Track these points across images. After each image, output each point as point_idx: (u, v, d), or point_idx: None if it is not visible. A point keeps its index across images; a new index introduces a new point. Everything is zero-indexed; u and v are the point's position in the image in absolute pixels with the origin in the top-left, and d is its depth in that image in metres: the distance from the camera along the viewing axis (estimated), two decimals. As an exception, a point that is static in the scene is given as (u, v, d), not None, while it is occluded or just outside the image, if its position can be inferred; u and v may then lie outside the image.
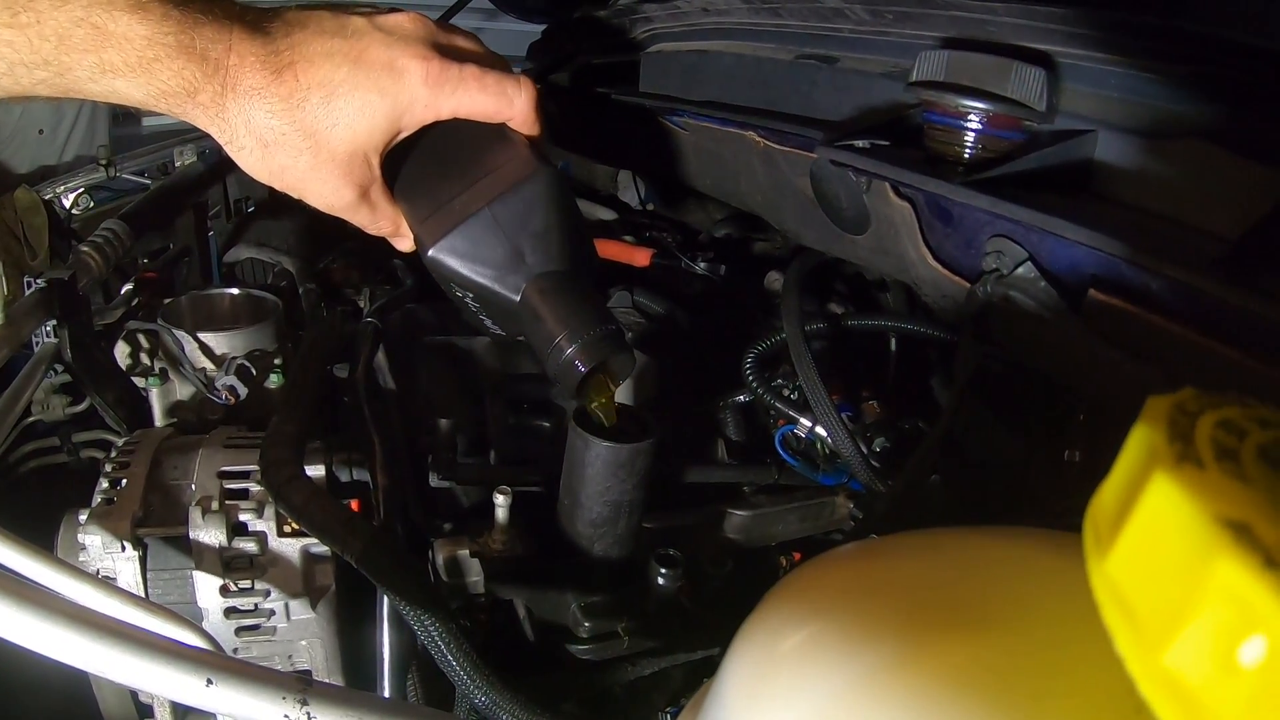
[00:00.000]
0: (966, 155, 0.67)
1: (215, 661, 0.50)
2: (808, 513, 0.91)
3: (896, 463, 0.85)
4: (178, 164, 1.63)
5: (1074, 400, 0.77)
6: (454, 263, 0.62)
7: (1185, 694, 0.19)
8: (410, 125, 0.61)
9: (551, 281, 0.63)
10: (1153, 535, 0.20)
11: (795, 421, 0.90)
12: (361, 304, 1.16)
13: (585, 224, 0.70)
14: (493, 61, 0.64)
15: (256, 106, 0.56)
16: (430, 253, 0.62)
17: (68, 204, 1.71)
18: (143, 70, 0.52)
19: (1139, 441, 0.23)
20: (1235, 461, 0.21)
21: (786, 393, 0.93)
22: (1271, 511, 0.19)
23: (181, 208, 1.40)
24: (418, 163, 0.65)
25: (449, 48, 0.61)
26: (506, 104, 0.62)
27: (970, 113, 0.66)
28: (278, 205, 1.58)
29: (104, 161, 1.68)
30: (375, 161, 0.61)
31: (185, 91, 0.54)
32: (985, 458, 0.90)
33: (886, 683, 0.25)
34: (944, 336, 0.84)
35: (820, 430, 0.87)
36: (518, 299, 0.63)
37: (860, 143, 0.73)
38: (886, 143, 0.74)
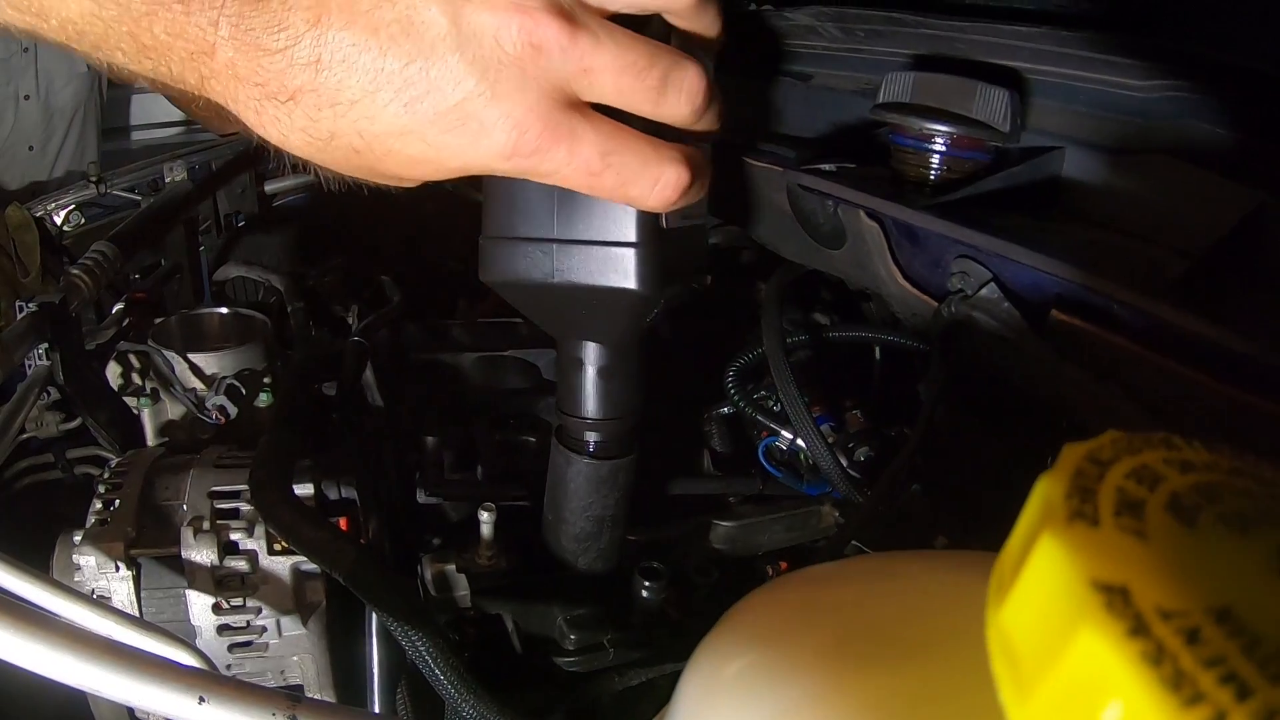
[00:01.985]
0: (932, 177, 0.69)
1: (207, 679, 0.52)
2: (793, 522, 0.92)
3: (879, 473, 0.86)
4: (168, 180, 1.64)
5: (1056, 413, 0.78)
6: (508, 294, 0.60)
7: None
8: None
9: (603, 359, 0.64)
10: (1037, 591, 0.21)
11: (777, 433, 0.92)
12: (350, 321, 1.17)
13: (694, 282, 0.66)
14: (656, 101, 0.44)
15: (260, 122, 0.43)
16: (487, 278, 0.59)
17: (59, 221, 1.72)
18: (91, 49, 0.42)
19: (1040, 495, 0.23)
20: (1137, 516, 0.21)
21: (769, 404, 0.94)
22: (1157, 572, 0.19)
23: (170, 225, 1.41)
24: None
25: (573, 89, 0.42)
26: (634, 197, 0.46)
27: (935, 135, 0.68)
28: (268, 220, 1.60)
29: (94, 178, 1.68)
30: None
31: (155, 83, 0.43)
32: (967, 467, 0.92)
33: (812, 714, 0.26)
34: (924, 349, 0.86)
35: (801, 442, 0.88)
36: (563, 344, 0.65)
37: (828, 166, 0.75)
38: (853, 165, 0.75)
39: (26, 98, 2.23)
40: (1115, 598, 0.19)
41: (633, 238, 0.53)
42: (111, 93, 2.48)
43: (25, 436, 1.09)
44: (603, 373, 0.64)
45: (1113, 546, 0.20)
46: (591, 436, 0.66)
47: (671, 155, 0.45)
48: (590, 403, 0.65)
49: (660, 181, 0.44)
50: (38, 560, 0.75)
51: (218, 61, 0.40)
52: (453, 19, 0.39)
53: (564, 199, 0.54)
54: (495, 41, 0.39)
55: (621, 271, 0.54)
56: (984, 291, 0.64)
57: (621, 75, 0.42)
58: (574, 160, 0.42)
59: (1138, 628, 0.18)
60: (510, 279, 0.58)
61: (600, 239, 0.54)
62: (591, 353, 0.64)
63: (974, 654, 0.24)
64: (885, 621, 0.29)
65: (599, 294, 0.56)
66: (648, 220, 0.53)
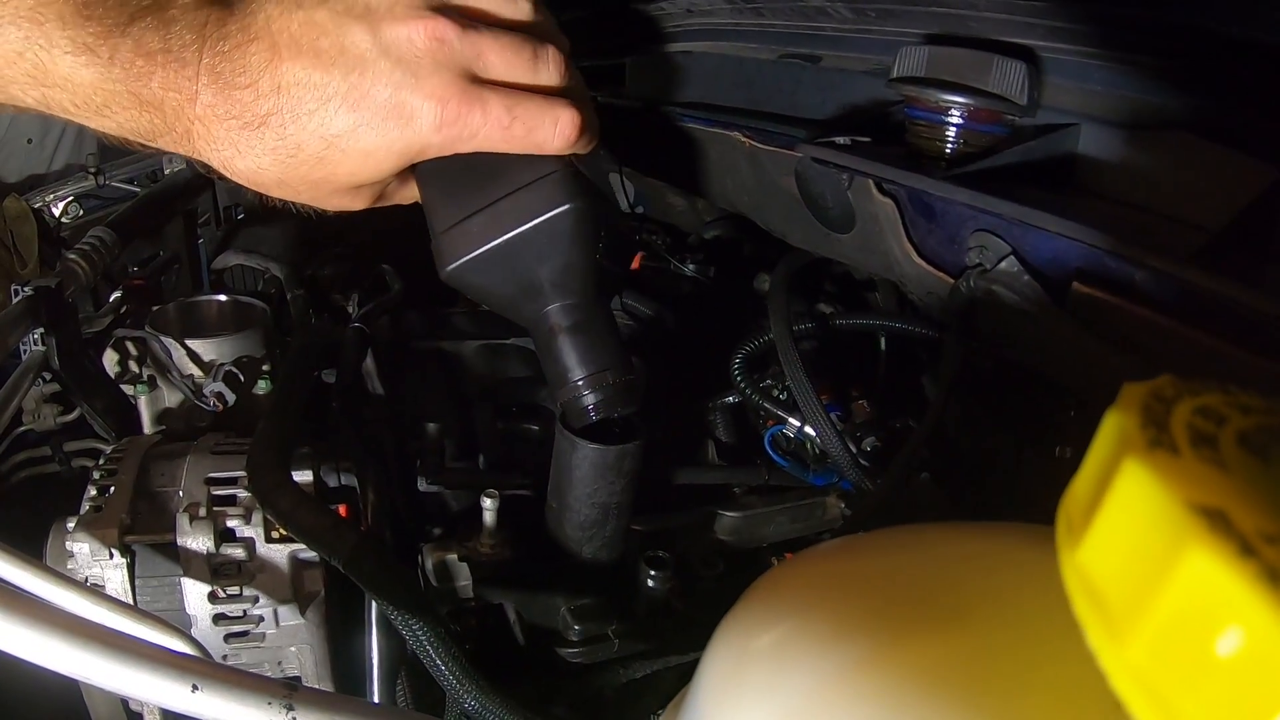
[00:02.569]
0: (948, 150, 0.67)
1: (201, 668, 0.50)
2: (799, 513, 0.91)
3: (887, 462, 0.85)
4: (167, 171, 1.63)
5: (1065, 396, 0.77)
6: (470, 281, 0.61)
7: (1159, 688, 0.18)
8: (423, 159, 0.55)
9: (571, 316, 0.63)
10: (1124, 524, 0.20)
11: (784, 422, 0.90)
12: (350, 309, 1.16)
13: (620, 238, 0.68)
14: (533, 70, 0.55)
15: (236, 156, 0.51)
16: (446, 271, 0.60)
17: (57, 212, 1.71)
18: (94, 113, 0.49)
19: (1112, 428, 0.22)
20: (1213, 448, 0.21)
21: (776, 393, 0.93)
22: (1248, 498, 0.19)
23: (169, 215, 1.40)
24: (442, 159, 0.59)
25: (473, 70, 0.52)
26: (541, 141, 0.55)
27: (951, 107, 0.66)
28: (267, 212, 1.58)
29: (93, 170, 1.68)
30: (386, 183, 0.57)
31: (147, 134, 0.50)
32: (977, 454, 0.91)
33: (858, 680, 0.25)
34: (932, 334, 0.84)
35: (809, 430, 0.87)
36: (535, 322, 0.64)
37: (841, 140, 0.73)
38: (868, 139, 0.74)
39: (25, 90, 2.23)
40: (1216, 520, 0.18)
41: (549, 168, 0.58)
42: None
43: (22, 429, 1.08)
44: (576, 328, 0.62)
45: (1199, 474, 0.19)
46: (589, 398, 0.63)
47: (563, 102, 0.55)
48: (574, 363, 0.63)
49: (560, 122, 0.54)
50: (33, 552, 0.74)
51: (199, 106, 0.49)
52: (374, 35, 0.50)
53: (478, 167, 0.58)
54: (409, 42, 0.50)
55: (549, 198, 0.58)
56: (1003, 265, 0.62)
57: (504, 54, 0.53)
58: (488, 120, 0.52)
59: (1246, 549, 0.17)
60: (461, 260, 0.59)
61: (521, 184, 0.58)
62: (558, 314, 0.62)
63: (1019, 617, 0.24)
64: (920, 588, 0.28)
65: (541, 231, 0.58)
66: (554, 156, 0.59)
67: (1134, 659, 0.19)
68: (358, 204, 0.58)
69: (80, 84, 0.47)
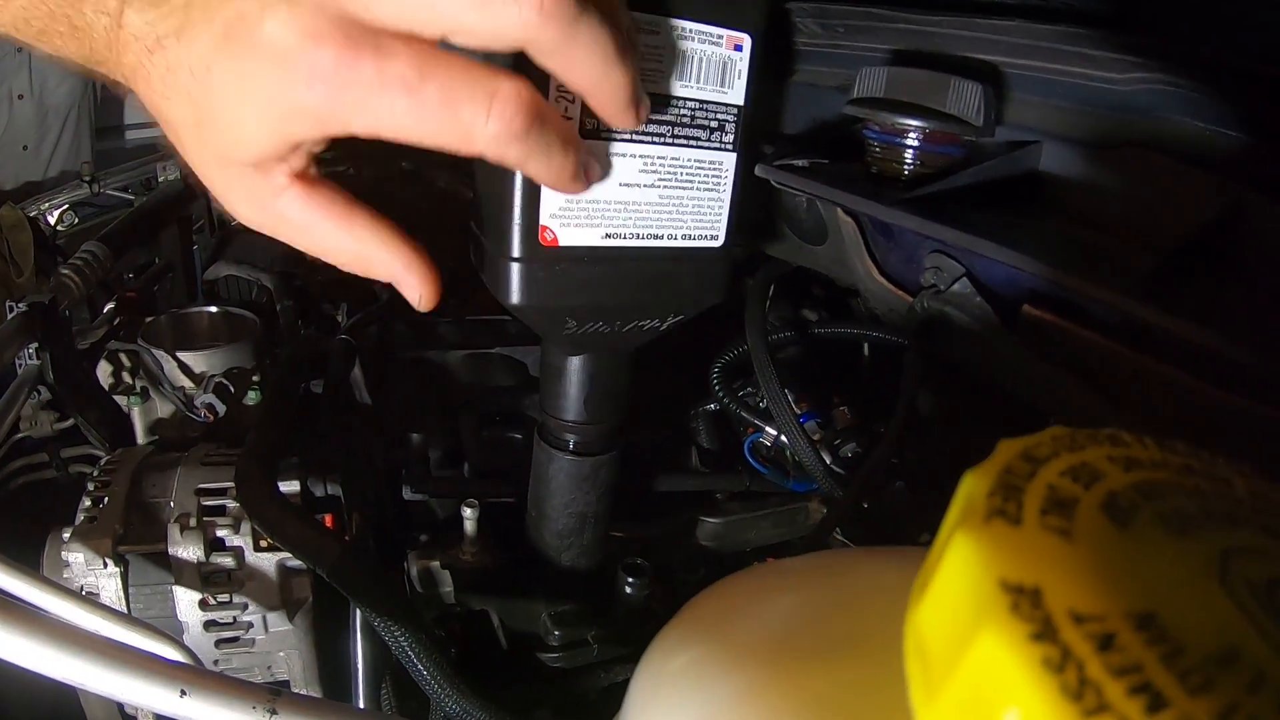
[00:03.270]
0: (906, 171, 0.69)
1: (189, 674, 0.52)
2: (780, 519, 0.93)
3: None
4: (161, 179, 1.65)
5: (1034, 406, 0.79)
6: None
7: None
8: (314, 139, 0.42)
9: (590, 368, 0.64)
10: (949, 591, 0.20)
11: (762, 429, 0.92)
12: (339, 319, 1.18)
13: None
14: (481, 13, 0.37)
15: (143, 91, 0.42)
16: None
17: (52, 220, 1.72)
18: (35, 38, 0.44)
19: (962, 493, 0.22)
20: (1065, 515, 0.20)
21: (755, 401, 0.95)
22: (1075, 574, 0.19)
23: (163, 224, 1.41)
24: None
25: (364, 20, 0.38)
26: (467, 125, 0.39)
27: (907, 130, 0.68)
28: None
29: (88, 178, 1.69)
30: (279, 180, 0.44)
31: (90, 63, 0.44)
32: (954, 462, 0.92)
33: (746, 707, 0.25)
34: (906, 344, 0.86)
35: (785, 438, 0.89)
36: (551, 348, 0.66)
37: (801, 161, 0.75)
38: (826, 161, 0.76)
39: (20, 97, 2.24)
40: (1024, 599, 0.18)
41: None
42: (105, 92, 2.48)
43: (20, 436, 1.10)
44: (593, 379, 0.65)
45: (1032, 546, 0.19)
46: (572, 438, 0.67)
47: (504, 72, 0.39)
48: (573, 403, 0.66)
49: (497, 97, 0.38)
50: (33, 558, 0.76)
51: (124, 29, 0.41)
52: None
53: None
54: None
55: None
56: (956, 286, 0.64)
57: None
58: (385, 75, 0.38)
59: (1044, 632, 0.17)
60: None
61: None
62: (570, 363, 0.64)
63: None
64: (826, 617, 0.28)
65: None
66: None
67: None
68: (253, 205, 0.46)
69: (17, 7, 0.43)
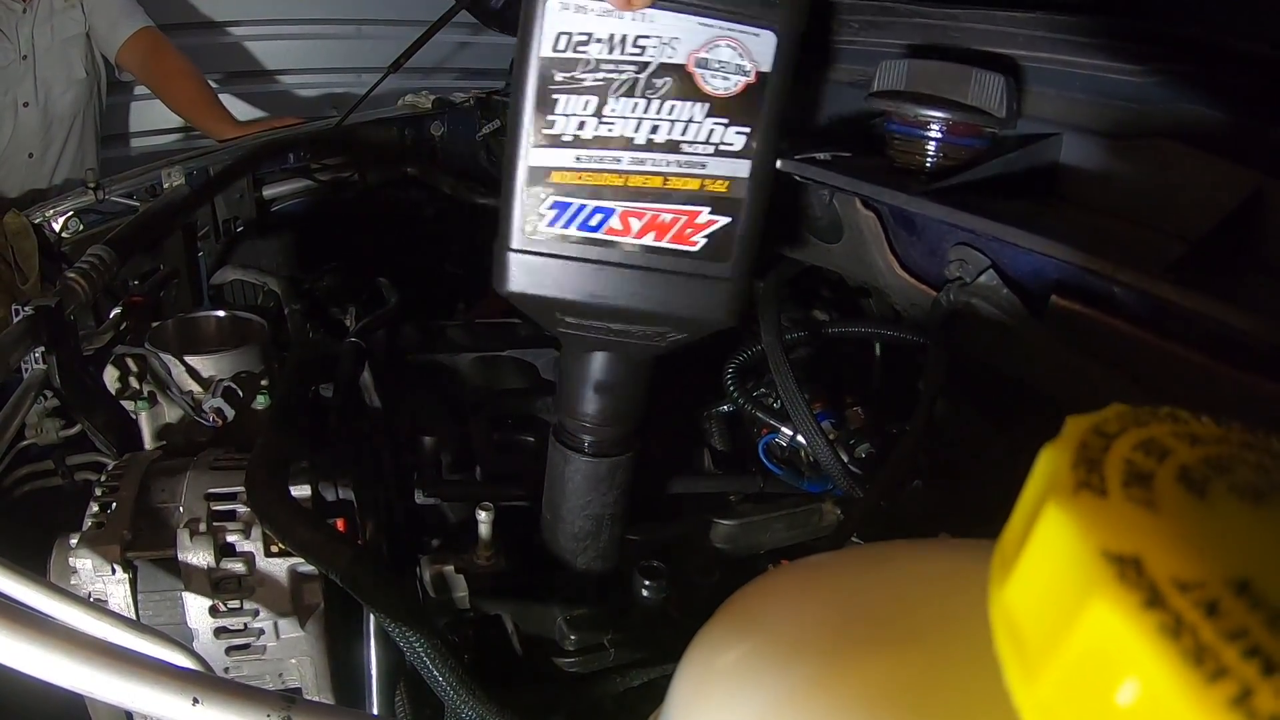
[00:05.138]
0: (928, 164, 0.68)
1: (201, 681, 0.51)
2: (794, 520, 0.92)
3: (881, 469, 0.85)
4: (165, 186, 1.64)
5: (1059, 401, 0.78)
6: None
7: None
8: None
9: (613, 373, 0.65)
10: (1044, 566, 0.20)
11: (778, 430, 0.91)
12: (348, 323, 1.17)
13: None
14: None
15: None
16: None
17: (57, 227, 1.71)
18: None
19: (1043, 466, 0.22)
20: (1145, 487, 0.20)
21: (769, 402, 0.94)
22: (1170, 543, 0.18)
23: (168, 230, 1.41)
24: None
25: None
26: None
27: (930, 121, 0.67)
28: (266, 225, 1.59)
29: (92, 185, 1.68)
30: None
31: None
32: (970, 460, 0.91)
33: (807, 700, 0.25)
34: (923, 342, 0.85)
35: (801, 439, 0.88)
36: (572, 351, 0.65)
37: (822, 155, 0.74)
38: (848, 154, 0.75)
39: (25, 105, 2.23)
40: (1128, 568, 0.18)
41: None
42: (110, 99, 2.47)
43: (25, 443, 1.09)
44: (611, 386, 0.64)
45: (1123, 517, 0.19)
46: (588, 439, 0.66)
47: None
48: (592, 406, 0.65)
49: None
50: (37, 566, 0.75)
51: None
52: None
53: None
54: None
55: None
56: (983, 278, 0.63)
57: None
58: None
59: (1153, 599, 0.17)
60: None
61: None
62: (599, 364, 0.64)
63: (971, 639, 0.23)
64: (881, 608, 0.28)
65: None
66: None
67: (1041, 700, 0.19)
68: None
69: None
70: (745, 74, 0.52)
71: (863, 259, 0.79)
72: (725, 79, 0.52)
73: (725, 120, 0.53)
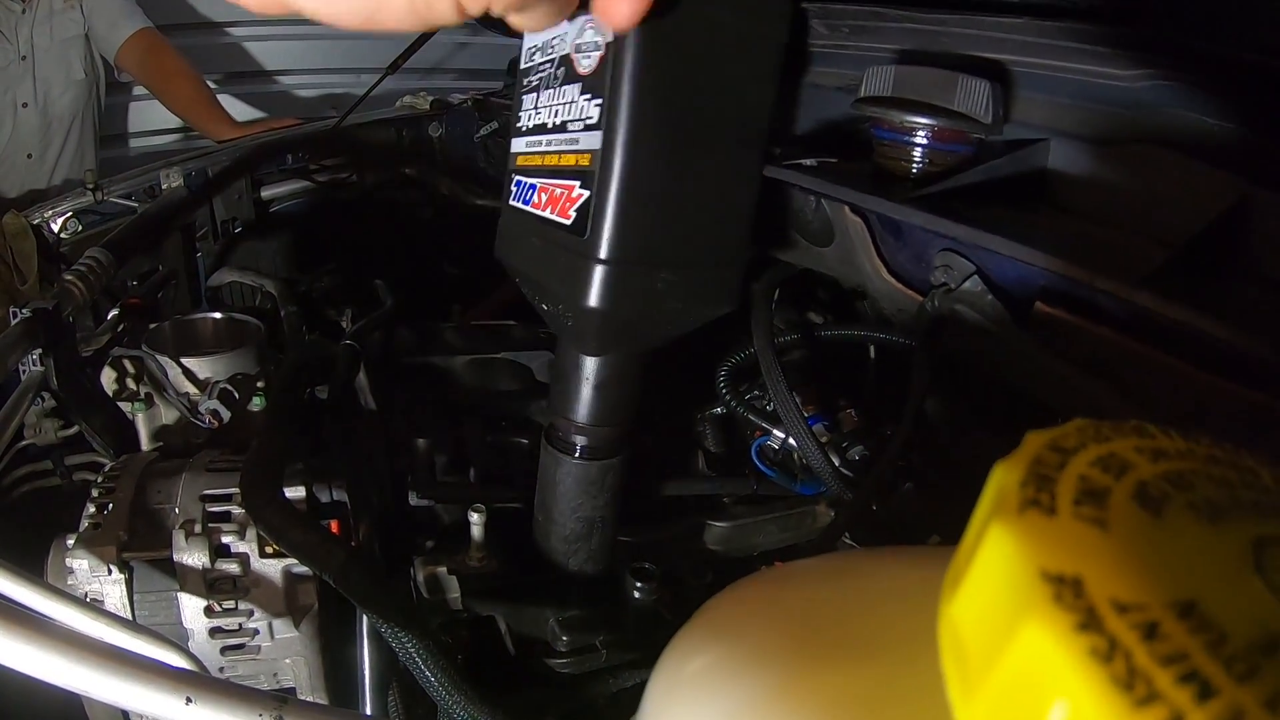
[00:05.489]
0: (914, 170, 0.68)
1: (194, 680, 0.52)
2: (788, 522, 0.92)
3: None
4: (164, 186, 1.65)
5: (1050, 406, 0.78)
6: None
7: None
8: None
9: (602, 372, 0.65)
10: (986, 584, 0.20)
11: (770, 432, 0.92)
12: (344, 325, 1.18)
13: None
14: None
15: None
16: None
17: (56, 228, 1.72)
18: None
19: (993, 484, 0.22)
20: (1099, 505, 0.20)
21: (761, 404, 0.94)
22: (1114, 563, 0.18)
23: (166, 232, 1.41)
24: None
25: None
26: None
27: (916, 128, 0.67)
28: (264, 226, 1.60)
29: (91, 186, 1.69)
30: None
31: None
32: (963, 464, 0.92)
33: (768, 709, 0.25)
34: (913, 346, 0.86)
35: (793, 441, 0.88)
36: (564, 351, 0.66)
37: (809, 161, 0.74)
38: (834, 160, 0.75)
39: (24, 106, 2.24)
40: (1065, 589, 0.18)
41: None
42: (109, 100, 2.48)
43: (24, 444, 1.10)
44: (602, 383, 0.65)
45: (1069, 536, 0.19)
46: (580, 440, 0.67)
47: None
48: (584, 407, 0.65)
49: None
50: (36, 566, 0.76)
51: None
52: None
53: None
54: None
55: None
56: (967, 285, 0.63)
57: None
58: None
59: (1088, 621, 0.17)
60: None
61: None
62: (590, 365, 0.64)
63: (927, 651, 0.23)
64: (845, 618, 0.28)
65: None
66: None
67: (978, 717, 0.19)
68: None
69: None
70: (600, 49, 0.54)
71: (852, 263, 0.79)
72: (588, 57, 0.56)
73: (589, 95, 0.56)
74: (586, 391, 0.66)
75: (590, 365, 0.65)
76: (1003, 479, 0.21)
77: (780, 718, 0.25)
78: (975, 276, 0.63)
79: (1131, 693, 0.16)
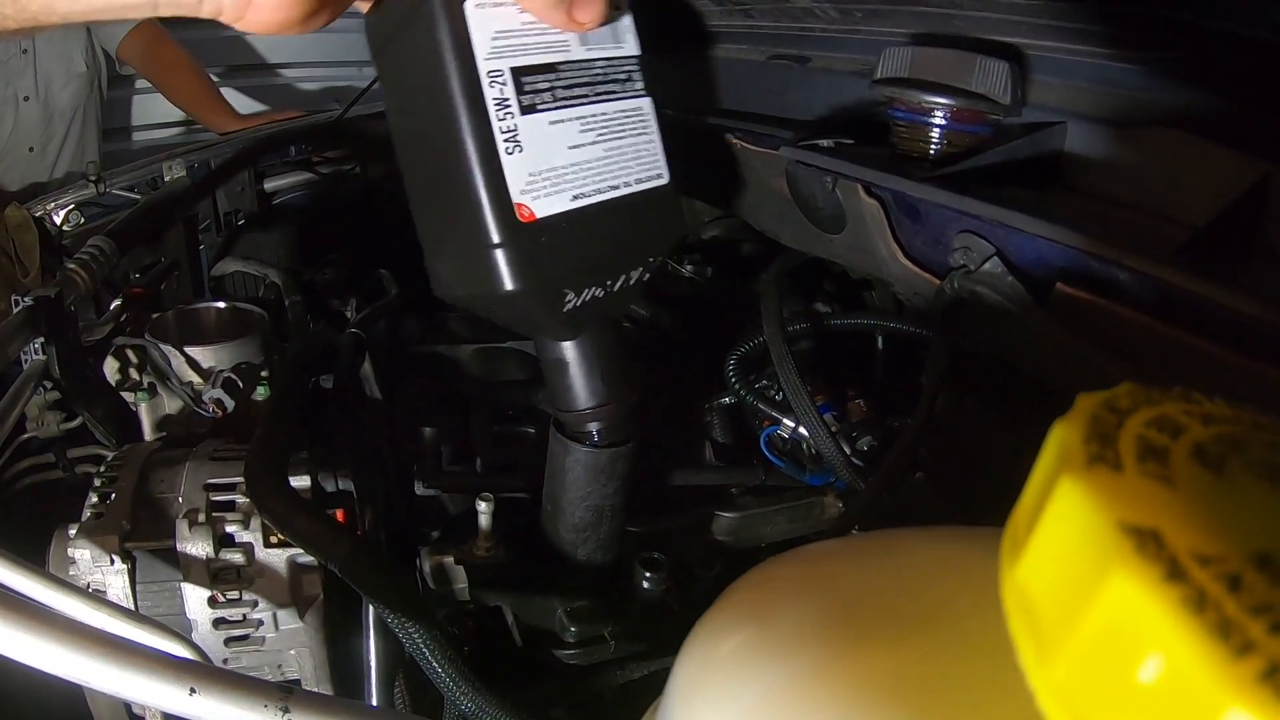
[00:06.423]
0: (932, 151, 0.67)
1: (198, 671, 0.51)
2: (796, 513, 0.91)
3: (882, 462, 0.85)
4: (166, 178, 1.64)
5: (1064, 392, 0.77)
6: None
7: (1081, 710, 0.18)
8: None
9: (579, 349, 0.64)
10: (1058, 543, 0.19)
11: (779, 422, 0.91)
12: (348, 314, 1.17)
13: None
14: None
15: None
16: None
17: (58, 220, 1.71)
18: None
19: (1055, 442, 0.21)
20: (1161, 462, 0.20)
21: (771, 393, 0.93)
22: (1188, 517, 0.18)
23: (169, 222, 1.41)
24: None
25: None
26: None
27: (934, 108, 0.66)
28: (267, 218, 1.59)
29: (94, 178, 1.68)
30: None
31: None
32: (974, 452, 0.91)
33: (807, 691, 0.24)
34: (925, 334, 0.85)
35: (803, 431, 0.87)
36: (541, 345, 0.65)
37: (825, 142, 0.73)
38: (851, 141, 0.74)
39: (26, 99, 2.23)
40: (1147, 541, 0.17)
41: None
42: (112, 93, 2.47)
43: (26, 436, 1.09)
44: (583, 359, 0.63)
45: (1139, 491, 0.19)
46: (593, 426, 0.65)
47: None
48: (581, 393, 0.64)
49: None
50: (38, 559, 0.75)
51: None
52: None
53: None
54: None
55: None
56: (987, 266, 0.62)
57: None
58: None
59: (1174, 572, 0.17)
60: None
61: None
62: (570, 349, 0.63)
63: (976, 627, 0.23)
64: (882, 596, 0.27)
65: None
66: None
67: (1059, 680, 0.18)
68: None
69: None
70: None
71: (866, 248, 0.78)
72: None
73: None
74: (579, 376, 0.64)
75: (569, 349, 0.64)
76: (1064, 436, 0.21)
77: (823, 698, 0.24)
78: (995, 258, 0.62)
79: (1228, 642, 0.16)
